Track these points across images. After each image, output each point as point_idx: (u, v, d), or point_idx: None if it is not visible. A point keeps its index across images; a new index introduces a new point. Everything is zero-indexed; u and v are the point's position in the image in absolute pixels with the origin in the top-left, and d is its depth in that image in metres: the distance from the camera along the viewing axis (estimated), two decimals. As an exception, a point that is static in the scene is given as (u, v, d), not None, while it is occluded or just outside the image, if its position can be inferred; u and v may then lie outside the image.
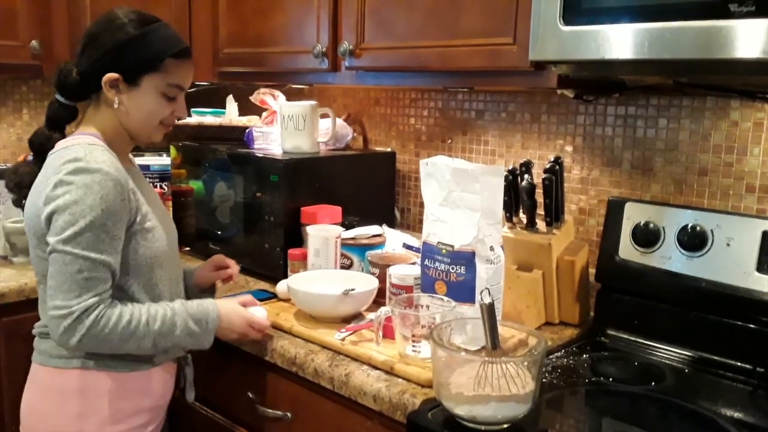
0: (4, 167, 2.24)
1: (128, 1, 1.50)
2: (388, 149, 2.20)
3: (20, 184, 1.39)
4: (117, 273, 1.29)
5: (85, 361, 1.33)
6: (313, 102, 1.98)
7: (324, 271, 1.65)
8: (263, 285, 1.83)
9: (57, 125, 1.40)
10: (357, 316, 1.53)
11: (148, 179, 2.23)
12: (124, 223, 1.29)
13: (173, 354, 1.44)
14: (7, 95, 2.51)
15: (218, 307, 1.39)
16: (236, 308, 1.44)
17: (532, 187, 1.54)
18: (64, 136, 1.38)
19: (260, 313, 1.48)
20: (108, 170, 1.26)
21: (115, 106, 1.34)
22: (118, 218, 1.27)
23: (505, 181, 1.46)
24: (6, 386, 1.80)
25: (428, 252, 1.40)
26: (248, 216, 1.91)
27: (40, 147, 1.38)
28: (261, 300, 1.66)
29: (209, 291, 1.63)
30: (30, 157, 1.43)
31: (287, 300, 1.63)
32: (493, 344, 1.14)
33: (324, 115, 2.03)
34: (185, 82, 1.39)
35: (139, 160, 2.26)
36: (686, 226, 1.46)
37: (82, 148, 1.28)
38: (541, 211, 1.59)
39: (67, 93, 1.38)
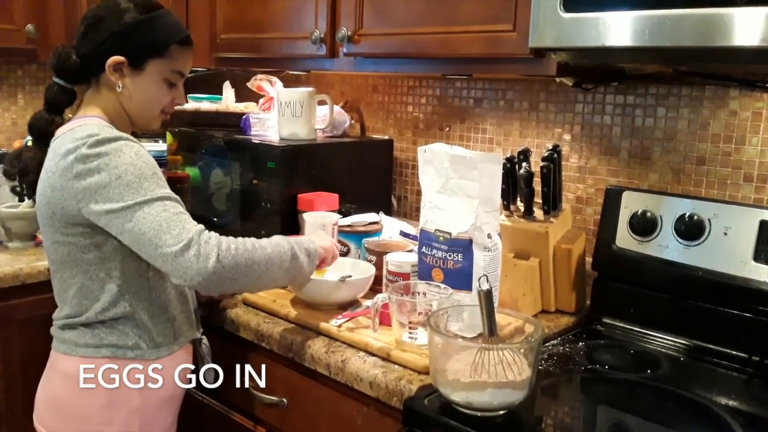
0: (0, 152, 2.23)
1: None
2: (386, 137, 2.19)
3: (25, 170, 1.36)
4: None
5: (114, 350, 1.31)
6: (311, 89, 1.97)
7: (321, 258, 1.65)
8: (260, 272, 1.82)
9: (56, 109, 1.38)
10: (354, 303, 1.53)
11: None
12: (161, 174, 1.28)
13: (192, 335, 1.44)
14: (2, 80, 2.49)
15: (312, 239, 1.42)
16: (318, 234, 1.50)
17: (530, 175, 1.54)
18: (63, 120, 1.37)
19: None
20: (127, 137, 1.27)
21: (118, 89, 1.34)
22: (156, 168, 1.27)
23: (503, 169, 1.46)
24: (0, 371, 1.80)
25: (425, 239, 1.39)
26: (245, 203, 1.91)
27: (41, 131, 1.36)
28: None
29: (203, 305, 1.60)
30: (28, 142, 1.41)
31: (283, 287, 1.63)
32: (490, 331, 1.14)
33: (321, 102, 2.02)
34: (187, 69, 1.41)
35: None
36: (683, 215, 1.46)
37: (92, 126, 1.28)
38: (538, 199, 1.59)
39: (66, 76, 1.36)
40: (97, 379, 1.30)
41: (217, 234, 1.24)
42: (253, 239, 1.29)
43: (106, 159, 1.22)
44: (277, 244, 1.31)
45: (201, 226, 1.23)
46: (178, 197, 1.27)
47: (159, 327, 1.35)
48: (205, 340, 1.49)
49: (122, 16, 1.31)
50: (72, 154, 1.23)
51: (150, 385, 1.33)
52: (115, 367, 1.31)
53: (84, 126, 1.28)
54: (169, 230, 1.19)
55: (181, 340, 1.41)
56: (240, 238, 1.28)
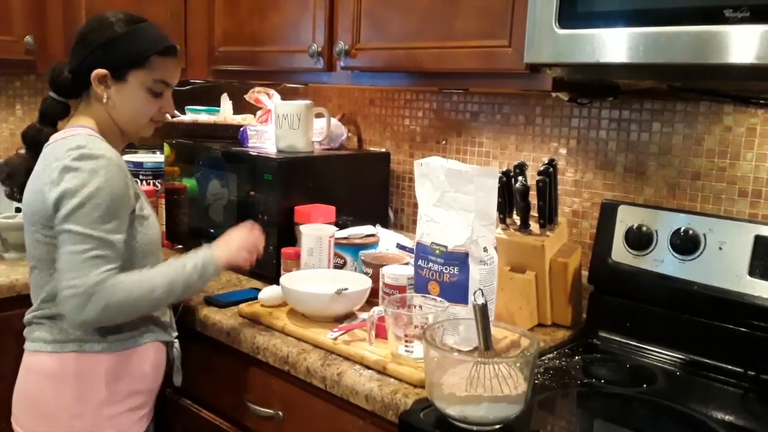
0: (-3, 162, 2.23)
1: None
2: (383, 149, 2.20)
3: (11, 175, 1.44)
4: (122, 254, 1.33)
5: (81, 344, 1.36)
6: (308, 101, 1.98)
7: (317, 270, 1.65)
8: (255, 284, 1.83)
9: (49, 120, 1.46)
10: (350, 316, 1.53)
11: (141, 176, 2.24)
12: (128, 207, 1.34)
13: (162, 337, 1.48)
14: (0, 91, 2.50)
15: (212, 250, 1.44)
16: (228, 237, 1.50)
17: (526, 189, 1.55)
18: (56, 131, 1.43)
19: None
20: (111, 156, 1.33)
21: (104, 101, 1.40)
22: (123, 201, 1.33)
23: (499, 182, 1.46)
24: (-5, 382, 1.79)
25: (422, 252, 1.40)
26: (242, 214, 1.91)
27: (32, 139, 1.44)
28: (247, 299, 1.66)
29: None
30: (22, 151, 1.47)
31: (277, 306, 1.61)
32: (486, 345, 1.14)
33: (319, 115, 2.02)
34: (171, 78, 1.45)
35: (132, 157, 2.27)
36: (679, 229, 1.46)
37: (83, 138, 1.34)
38: (534, 213, 1.60)
39: (59, 90, 1.45)
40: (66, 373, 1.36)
41: (113, 287, 1.28)
42: (151, 277, 1.34)
43: (80, 175, 1.29)
44: (171, 282, 1.35)
45: (102, 277, 1.27)
46: (113, 240, 1.30)
47: (125, 323, 1.39)
48: (176, 344, 1.54)
49: (104, 31, 1.38)
50: (59, 161, 1.30)
51: (116, 378, 1.38)
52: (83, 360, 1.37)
53: (75, 136, 1.35)
54: (77, 270, 1.27)
55: (149, 336, 1.44)
56: (138, 279, 1.32)
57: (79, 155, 1.30)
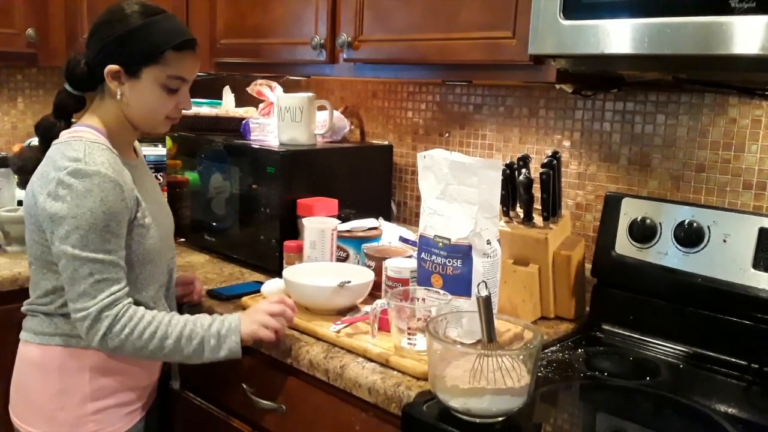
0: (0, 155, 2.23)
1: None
2: (386, 142, 2.20)
3: (23, 168, 1.42)
4: (125, 270, 1.32)
5: (67, 339, 1.36)
6: (311, 94, 1.98)
7: (320, 263, 1.65)
8: (258, 277, 1.83)
9: (63, 114, 1.42)
10: (352, 309, 1.53)
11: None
12: (125, 221, 1.32)
13: None
14: (2, 84, 2.50)
15: (240, 315, 1.38)
16: (257, 305, 1.42)
17: (529, 181, 1.54)
18: (69, 124, 1.40)
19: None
20: (106, 172, 1.28)
21: (118, 97, 1.36)
22: (120, 218, 1.30)
23: (503, 175, 1.46)
24: (-2, 375, 1.80)
25: (425, 245, 1.39)
26: (244, 207, 1.91)
27: (45, 132, 1.40)
28: (250, 292, 1.66)
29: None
30: (34, 142, 1.45)
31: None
32: (489, 337, 1.14)
33: (321, 107, 2.02)
34: (188, 73, 1.39)
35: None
36: (683, 222, 1.46)
37: (83, 146, 1.30)
38: (538, 205, 1.59)
39: (75, 83, 1.40)
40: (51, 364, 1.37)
41: (119, 314, 1.28)
42: (166, 324, 1.31)
43: (74, 194, 1.26)
44: (188, 337, 1.32)
45: (109, 300, 1.28)
46: (115, 260, 1.29)
47: None
48: None
49: (118, 24, 1.33)
50: (58, 171, 1.27)
51: (101, 374, 1.37)
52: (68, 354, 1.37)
53: (78, 142, 1.31)
54: (83, 296, 1.28)
55: None
56: (151, 320, 1.30)
57: (74, 170, 1.26)
